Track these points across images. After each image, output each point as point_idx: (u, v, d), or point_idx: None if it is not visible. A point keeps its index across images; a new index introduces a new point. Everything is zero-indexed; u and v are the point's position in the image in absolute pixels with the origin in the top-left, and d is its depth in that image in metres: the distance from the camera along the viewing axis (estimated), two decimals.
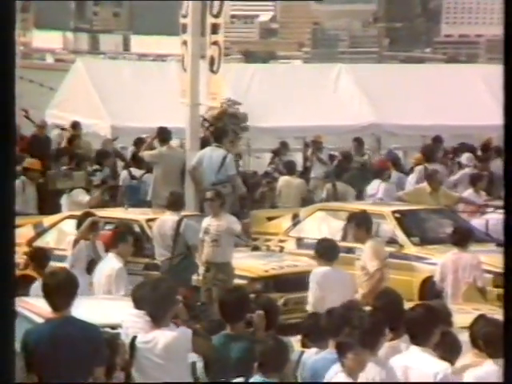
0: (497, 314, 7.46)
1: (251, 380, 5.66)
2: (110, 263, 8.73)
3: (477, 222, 12.86)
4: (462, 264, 9.70)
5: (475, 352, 6.20)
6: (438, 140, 16.61)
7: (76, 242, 9.66)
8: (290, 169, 15.80)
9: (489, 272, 10.70)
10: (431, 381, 5.76)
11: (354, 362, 5.65)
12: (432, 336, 5.89)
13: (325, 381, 5.81)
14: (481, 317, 6.45)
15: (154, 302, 6.09)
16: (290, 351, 6.01)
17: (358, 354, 5.66)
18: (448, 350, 6.06)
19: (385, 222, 11.82)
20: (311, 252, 11.56)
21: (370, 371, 5.69)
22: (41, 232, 11.82)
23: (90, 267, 9.23)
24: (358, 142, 16.85)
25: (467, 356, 6.25)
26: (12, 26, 2.81)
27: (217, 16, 13.49)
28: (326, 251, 8.93)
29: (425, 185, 13.37)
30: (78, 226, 10.01)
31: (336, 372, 5.74)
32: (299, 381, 6.36)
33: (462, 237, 9.98)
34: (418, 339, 5.87)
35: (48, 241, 11.58)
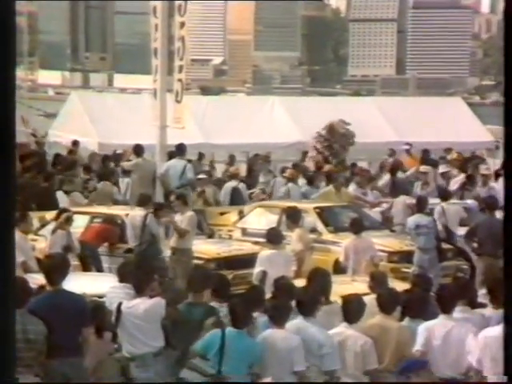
0: (391, 283, 7.52)
1: (227, 331, 5.61)
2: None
3: (375, 214, 12.99)
4: (361, 246, 9.76)
5: (382, 315, 6.22)
6: (305, 154, 16.87)
7: (54, 231, 9.60)
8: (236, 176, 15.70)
9: (384, 251, 10.78)
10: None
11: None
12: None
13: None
14: (385, 289, 6.47)
15: (138, 276, 6.02)
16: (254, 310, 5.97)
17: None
18: (355, 312, 6.05)
19: (308, 216, 11.83)
20: (253, 239, 11.58)
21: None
22: (44, 224, 11.55)
23: (65, 251, 9.14)
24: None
25: (376, 318, 6.25)
26: (12, 27, 2.60)
27: (181, 59, 13.50)
28: (273, 237, 8.87)
29: (330, 187, 13.52)
30: (56, 218, 9.92)
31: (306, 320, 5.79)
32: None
33: (357, 226, 10.04)
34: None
35: (49, 229, 11.29)
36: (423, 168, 14.81)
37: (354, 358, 5.83)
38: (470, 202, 13.40)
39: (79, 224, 10.76)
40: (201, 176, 14.18)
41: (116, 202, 13.02)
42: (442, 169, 15.71)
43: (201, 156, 16.67)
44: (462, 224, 11.78)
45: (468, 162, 16.43)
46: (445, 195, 11.97)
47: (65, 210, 10.15)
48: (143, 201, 10.80)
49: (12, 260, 2.67)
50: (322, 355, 5.64)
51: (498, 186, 14.59)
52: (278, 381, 5.59)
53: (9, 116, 2.64)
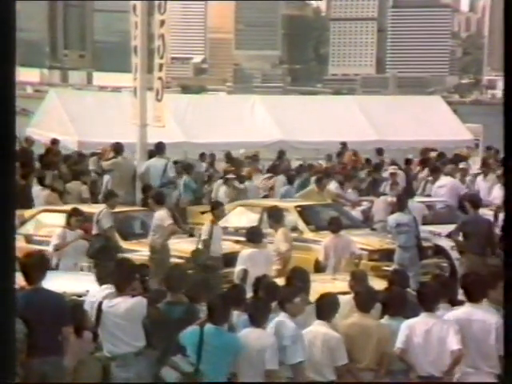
0: (371, 281, 7.55)
1: (205, 328, 5.58)
2: None
3: (356, 213, 13.04)
4: (340, 245, 9.78)
5: (360, 313, 6.24)
6: (282, 153, 16.86)
7: (70, 241, 9.52)
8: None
9: (365, 250, 10.82)
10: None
11: (295, 309, 5.80)
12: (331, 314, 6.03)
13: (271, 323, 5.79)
14: (363, 287, 6.49)
15: (119, 275, 5.98)
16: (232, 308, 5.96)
17: (297, 302, 5.79)
18: (329, 311, 6.06)
19: (289, 214, 11.84)
20: (234, 237, 11.57)
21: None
22: (23, 222, 11.45)
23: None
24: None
25: (354, 316, 6.27)
26: (13, 27, 2.58)
27: (161, 58, 13.45)
28: (253, 236, 8.88)
29: (314, 186, 13.59)
30: (68, 218, 9.76)
31: (282, 316, 5.79)
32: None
33: (335, 225, 10.07)
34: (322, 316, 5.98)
35: (28, 229, 11.21)
36: (392, 168, 14.88)
37: (320, 354, 5.84)
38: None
39: (57, 222, 10.68)
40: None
41: (85, 202, 12.95)
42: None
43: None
44: (424, 221, 11.89)
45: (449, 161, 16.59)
46: (408, 193, 12.09)
47: (77, 212, 9.75)
48: (107, 197, 10.86)
49: (12, 260, 2.64)
50: (283, 348, 5.62)
51: (481, 182, 14.73)
52: (250, 381, 5.57)
53: (8, 116, 2.62)
